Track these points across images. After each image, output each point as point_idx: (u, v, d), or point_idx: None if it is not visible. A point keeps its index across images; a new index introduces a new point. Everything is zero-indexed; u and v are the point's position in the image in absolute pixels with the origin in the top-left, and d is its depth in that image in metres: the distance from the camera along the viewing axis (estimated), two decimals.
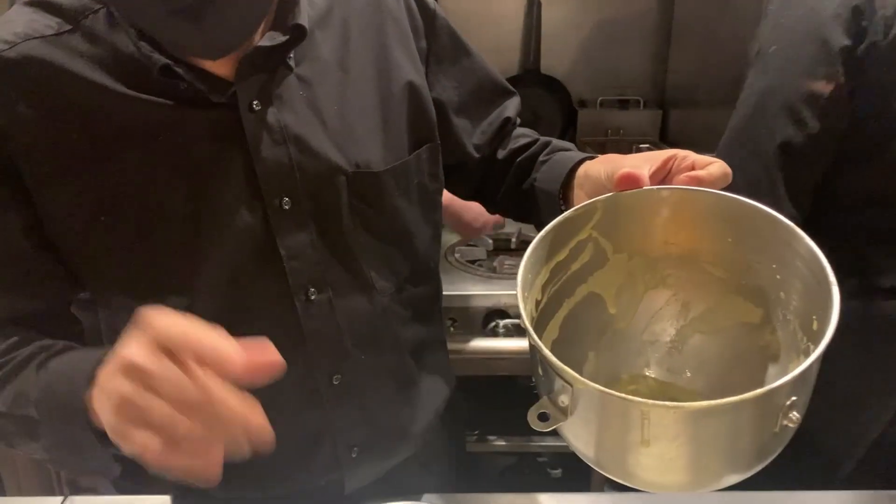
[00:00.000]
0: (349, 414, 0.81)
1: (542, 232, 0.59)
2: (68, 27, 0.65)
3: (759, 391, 0.46)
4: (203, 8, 0.58)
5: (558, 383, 0.51)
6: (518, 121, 0.94)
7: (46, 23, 0.65)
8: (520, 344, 1.65)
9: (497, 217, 1.42)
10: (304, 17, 0.70)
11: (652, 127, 2.21)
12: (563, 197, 0.79)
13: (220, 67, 0.67)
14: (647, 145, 1.98)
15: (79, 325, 0.75)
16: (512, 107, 0.93)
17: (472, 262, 1.81)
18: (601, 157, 0.72)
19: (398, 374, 0.86)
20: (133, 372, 0.47)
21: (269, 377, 0.47)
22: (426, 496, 0.84)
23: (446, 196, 0.93)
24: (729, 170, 0.61)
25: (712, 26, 1.90)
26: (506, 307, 1.68)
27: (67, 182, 0.65)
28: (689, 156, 0.62)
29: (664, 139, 2.19)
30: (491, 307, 1.67)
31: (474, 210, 1.39)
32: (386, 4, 0.79)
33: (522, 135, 0.93)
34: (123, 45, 0.65)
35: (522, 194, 0.89)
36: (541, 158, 0.88)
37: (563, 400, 0.51)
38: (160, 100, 0.66)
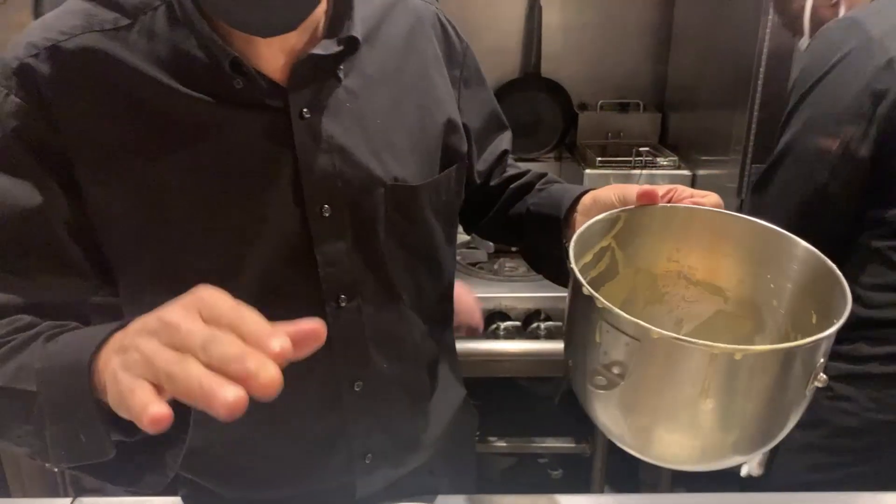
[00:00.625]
0: (366, 421, 0.82)
1: (579, 230, 0.64)
2: (126, 22, 0.66)
3: (807, 340, 0.52)
4: None
5: (619, 344, 0.54)
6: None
7: (105, 17, 0.66)
8: (521, 346, 1.66)
9: (478, 324, 1.49)
10: (358, 30, 0.72)
11: (652, 129, 2.22)
12: (564, 222, 0.82)
13: (276, 72, 0.68)
14: (648, 148, 1.99)
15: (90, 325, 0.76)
16: (507, 140, 0.98)
17: (474, 264, 1.82)
18: (608, 186, 0.75)
19: (415, 384, 0.88)
20: (165, 329, 0.45)
21: (313, 345, 0.46)
22: (440, 497, 0.85)
23: None
24: (721, 201, 0.68)
25: (710, 31, 1.90)
26: (507, 309, 1.69)
27: (116, 175, 0.66)
28: (687, 189, 0.69)
29: (664, 142, 2.20)
30: (492, 309, 1.69)
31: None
32: (427, 31, 0.83)
33: (513, 165, 0.98)
34: (181, 43, 0.66)
35: (510, 219, 0.93)
36: (538, 187, 0.92)
37: (621, 362, 0.54)
38: (214, 100, 0.67)
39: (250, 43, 0.66)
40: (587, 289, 0.56)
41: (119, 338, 0.51)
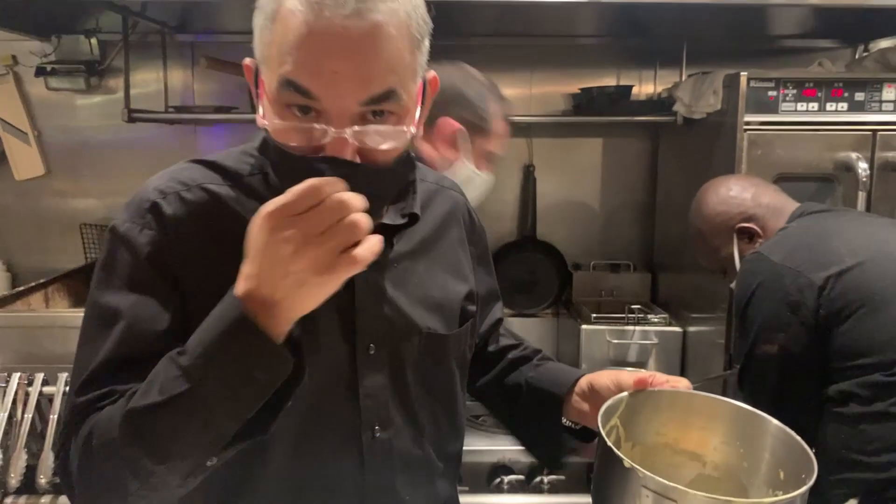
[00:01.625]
0: None
1: (602, 410, 0.79)
2: (232, 182, 0.82)
3: (776, 498, 0.65)
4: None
5: None
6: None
7: (215, 176, 0.82)
8: (525, 500, 1.68)
9: None
10: (417, 208, 0.88)
11: (643, 288, 2.36)
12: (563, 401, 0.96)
13: None
14: (640, 305, 2.11)
15: None
16: (500, 309, 1.12)
17: (476, 417, 1.87)
18: (603, 372, 0.91)
19: None
20: (275, 217, 0.61)
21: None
22: None
23: None
24: (690, 384, 0.85)
25: (688, 200, 2.09)
26: (510, 462, 1.73)
27: (209, 297, 0.75)
28: (663, 375, 0.85)
29: (655, 300, 2.33)
30: (496, 462, 1.73)
31: None
32: (458, 217, 1.00)
33: (508, 335, 1.11)
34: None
35: (507, 386, 1.04)
36: (535, 362, 1.04)
37: None
38: None
39: None
40: (627, 462, 0.68)
41: (256, 277, 0.64)
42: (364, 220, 0.62)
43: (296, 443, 0.81)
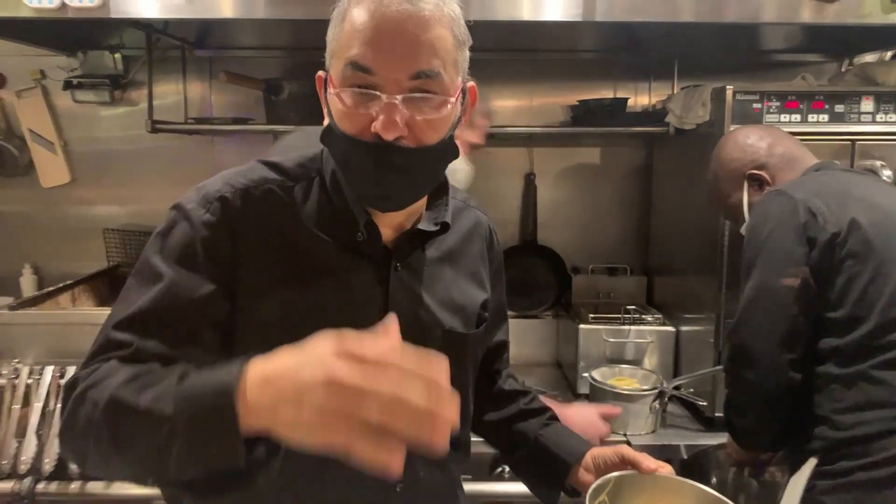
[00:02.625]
0: None
1: (593, 487, 0.93)
2: (291, 184, 0.93)
3: None
4: (389, 181, 0.86)
5: None
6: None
7: (277, 177, 0.93)
8: (524, 488, 1.76)
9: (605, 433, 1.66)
10: (449, 217, 0.99)
11: (639, 291, 2.45)
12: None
13: (387, 235, 0.94)
14: (635, 307, 2.21)
15: None
16: (506, 332, 1.23)
17: None
18: (608, 447, 1.05)
19: (441, 491, 1.05)
20: (338, 388, 0.55)
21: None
22: None
23: None
24: (673, 470, 0.98)
25: (681, 208, 2.20)
26: None
27: (266, 290, 0.86)
28: (652, 460, 0.98)
29: (650, 302, 2.43)
30: (497, 453, 1.81)
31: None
32: (481, 233, 1.11)
33: (515, 379, 1.23)
34: (326, 204, 0.93)
35: (515, 432, 1.16)
36: (545, 420, 1.16)
37: None
38: (340, 246, 0.92)
39: (372, 213, 0.92)
40: None
41: (265, 372, 0.63)
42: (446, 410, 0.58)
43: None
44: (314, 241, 0.91)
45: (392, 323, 0.61)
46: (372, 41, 0.80)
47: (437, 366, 0.59)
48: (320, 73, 0.89)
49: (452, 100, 0.85)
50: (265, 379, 0.63)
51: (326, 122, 0.89)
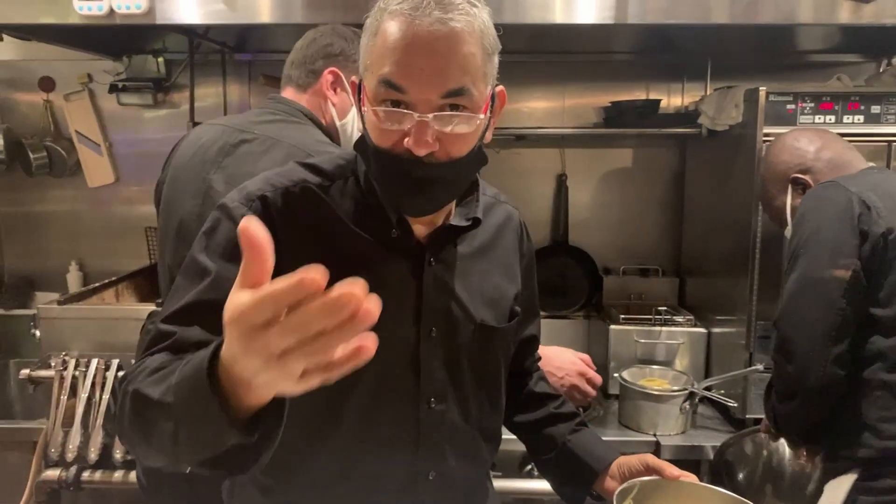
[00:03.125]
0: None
1: (618, 490, 0.97)
2: (328, 183, 0.97)
3: None
4: (420, 191, 0.89)
5: None
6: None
7: (315, 177, 0.97)
8: None
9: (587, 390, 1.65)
10: (481, 213, 1.02)
11: (671, 292, 2.45)
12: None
13: (420, 231, 0.97)
14: (666, 308, 2.21)
15: None
16: (537, 326, 1.25)
17: None
18: (634, 455, 1.07)
19: (471, 481, 1.09)
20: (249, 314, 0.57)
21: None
22: None
23: None
24: (697, 478, 1.00)
25: (714, 210, 2.19)
26: None
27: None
28: (675, 468, 1.01)
29: (682, 303, 2.42)
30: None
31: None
32: (512, 227, 1.13)
33: (546, 382, 1.26)
34: (362, 201, 0.96)
35: (543, 435, 1.18)
36: (574, 426, 1.18)
37: None
38: (376, 241, 0.95)
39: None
40: None
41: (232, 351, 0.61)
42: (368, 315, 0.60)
43: (364, 409, 0.95)
44: (350, 237, 0.95)
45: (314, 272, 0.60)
46: (404, 61, 0.83)
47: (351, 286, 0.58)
48: (354, 78, 0.93)
49: (482, 116, 0.88)
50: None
51: (360, 125, 0.91)
